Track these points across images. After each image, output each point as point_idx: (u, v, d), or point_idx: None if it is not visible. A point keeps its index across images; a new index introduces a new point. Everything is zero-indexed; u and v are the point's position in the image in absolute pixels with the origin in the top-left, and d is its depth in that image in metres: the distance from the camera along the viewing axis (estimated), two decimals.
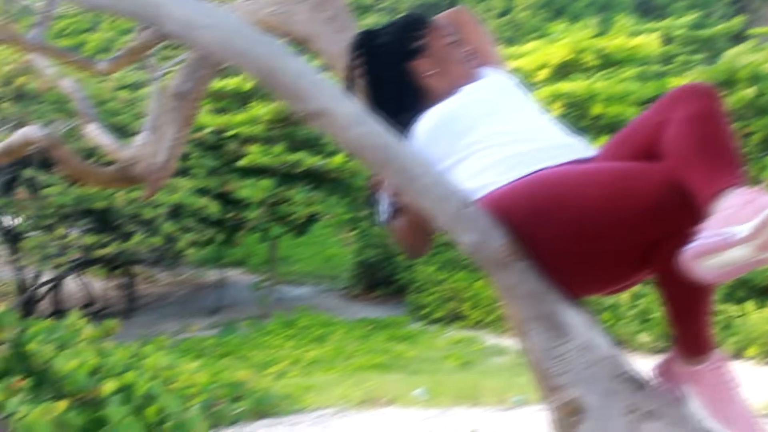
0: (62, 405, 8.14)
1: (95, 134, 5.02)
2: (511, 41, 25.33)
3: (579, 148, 2.39)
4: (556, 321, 2.13)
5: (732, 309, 14.20)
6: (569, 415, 2.13)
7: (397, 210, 2.45)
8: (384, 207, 2.52)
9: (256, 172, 18.79)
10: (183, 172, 17.02)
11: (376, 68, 2.67)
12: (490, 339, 17.78)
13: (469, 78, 2.63)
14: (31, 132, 4.57)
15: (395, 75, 2.64)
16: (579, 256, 2.15)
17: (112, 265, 20.04)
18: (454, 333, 18.64)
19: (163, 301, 21.81)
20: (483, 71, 2.70)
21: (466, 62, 2.69)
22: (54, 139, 4.46)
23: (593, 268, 2.18)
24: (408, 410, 10.05)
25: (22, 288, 19.06)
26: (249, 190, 18.51)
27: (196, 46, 3.78)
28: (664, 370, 2.33)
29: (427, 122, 2.42)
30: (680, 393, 2.25)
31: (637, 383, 2.15)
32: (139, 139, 4.77)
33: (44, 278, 19.78)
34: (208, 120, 18.74)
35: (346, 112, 1.82)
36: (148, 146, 4.45)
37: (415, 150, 2.14)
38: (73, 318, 8.87)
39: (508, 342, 17.42)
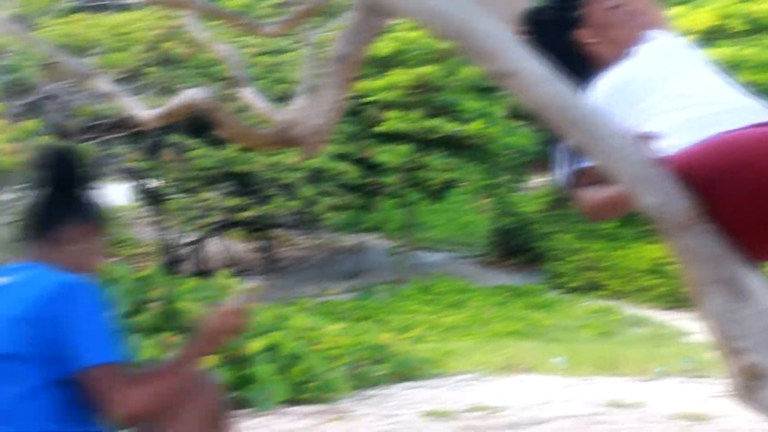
0: (211, 361, 8.39)
1: (250, 98, 5.12)
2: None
3: (758, 110, 2.34)
4: (737, 285, 2.08)
5: None
6: (750, 380, 2.10)
7: (579, 173, 2.43)
8: (564, 169, 2.50)
9: (394, 137, 18.86)
10: None
11: (542, 43, 2.65)
12: (628, 309, 17.55)
13: (635, 41, 2.59)
14: (193, 95, 4.69)
15: (561, 47, 2.61)
16: (763, 219, 2.11)
17: (252, 227, 20.41)
18: (592, 302, 18.45)
19: (301, 264, 22.12)
20: (650, 34, 2.66)
21: (631, 26, 2.65)
22: (215, 101, 4.57)
23: None
24: (547, 378, 9.98)
25: (166, 249, 19.62)
26: (387, 155, 18.60)
27: (384, 6, 3.83)
28: None
29: (603, 88, 2.39)
30: None
31: None
32: (295, 103, 4.85)
33: (187, 240, 20.33)
34: None
35: (534, 73, 1.82)
36: (307, 109, 4.52)
37: (601, 111, 2.11)
38: (221, 277, 9.10)
39: (648, 312, 17.23)
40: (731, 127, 2.20)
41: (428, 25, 1.84)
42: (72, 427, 2.27)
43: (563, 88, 1.85)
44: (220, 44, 5.66)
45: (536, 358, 11.41)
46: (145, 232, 21.36)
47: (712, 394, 8.67)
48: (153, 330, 9.04)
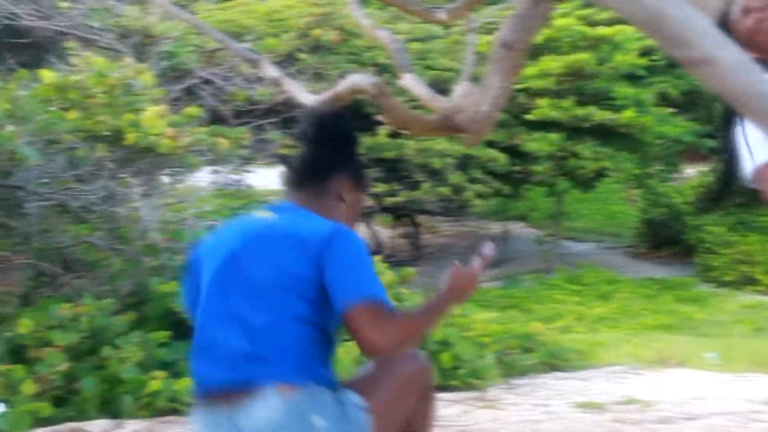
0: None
1: (411, 84, 5.13)
2: None
3: None
4: None
5: None
6: None
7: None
8: (751, 161, 2.44)
9: (544, 125, 18.72)
10: None
11: None
12: None
13: None
14: (359, 80, 4.74)
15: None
16: None
17: (399, 213, 20.54)
18: (746, 297, 17.92)
19: (446, 251, 22.14)
20: None
21: None
22: (382, 87, 4.61)
23: None
24: (700, 373, 9.80)
25: None
26: (537, 143, 18.48)
27: None
28: None
29: None
30: None
31: None
32: (458, 90, 4.85)
33: None
34: None
35: (732, 60, 1.77)
36: (472, 96, 4.52)
37: None
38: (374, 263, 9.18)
39: None
40: None
41: (618, 10, 1.80)
42: (314, 364, 2.36)
43: (762, 77, 1.80)
44: (381, 30, 5.68)
45: (688, 353, 11.21)
46: None
47: None
48: None
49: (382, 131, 16.87)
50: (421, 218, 21.67)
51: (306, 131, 2.76)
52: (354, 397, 2.39)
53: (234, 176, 14.49)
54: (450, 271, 2.69)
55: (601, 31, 19.06)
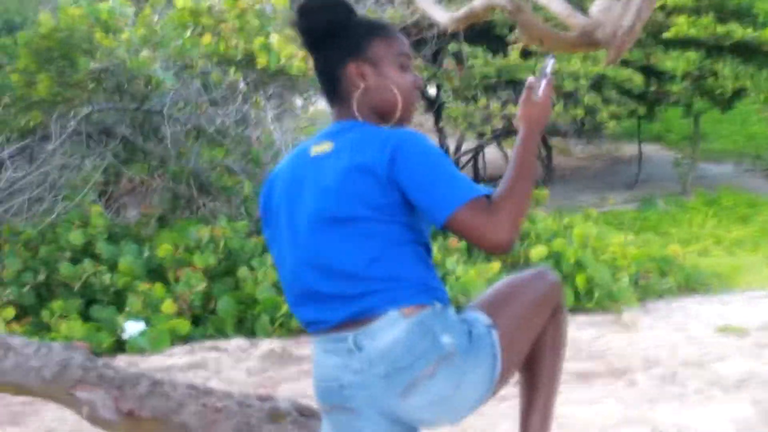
0: (495, 266, 8.44)
1: (547, 0, 4.96)
2: None
3: None
4: None
5: None
6: None
7: None
8: None
9: (681, 43, 18.12)
10: None
11: None
12: None
13: None
14: None
15: None
16: None
17: None
18: None
19: (579, 173, 21.89)
20: None
21: None
22: (519, 3, 4.47)
23: None
24: None
25: (446, 154, 19.85)
26: (674, 62, 17.92)
27: None
28: None
29: None
30: None
31: None
32: (597, 4, 4.67)
33: (467, 147, 20.50)
34: None
35: None
36: (613, 10, 4.35)
37: None
38: None
39: None
40: None
41: None
42: (429, 281, 2.25)
43: None
44: None
45: None
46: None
47: None
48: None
49: (515, 51, 16.62)
50: (554, 140, 21.35)
51: (303, 42, 2.47)
52: (480, 315, 2.28)
53: None
54: (520, 105, 2.54)
55: None
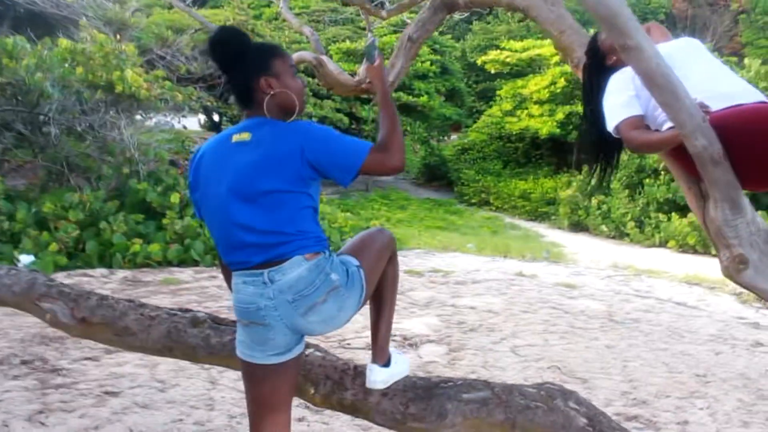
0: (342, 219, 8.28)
1: (326, 63, 4.93)
2: (523, 38, 24.63)
3: (756, 92, 2.28)
4: (737, 203, 2.04)
5: (662, 216, 13.92)
6: (737, 264, 2.08)
7: (628, 121, 2.35)
8: (615, 120, 2.40)
9: (370, 100, 18.56)
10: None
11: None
12: (506, 218, 17.67)
13: None
14: (305, 54, 4.54)
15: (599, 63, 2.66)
16: (757, 161, 2.04)
17: None
18: (484, 213, 18.55)
19: None
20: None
21: None
22: (320, 59, 4.42)
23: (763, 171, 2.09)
24: (468, 256, 10.08)
25: None
26: (366, 112, 18.24)
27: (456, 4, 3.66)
28: None
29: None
30: None
31: None
32: (363, 66, 4.68)
33: None
34: None
35: (651, 50, 1.74)
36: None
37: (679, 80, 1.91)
38: None
39: (518, 222, 17.42)
40: (745, 102, 2.15)
41: (587, 5, 1.69)
42: (321, 235, 2.09)
43: (664, 61, 1.78)
44: (306, 27, 5.41)
45: (458, 243, 11.49)
46: None
47: (570, 273, 8.83)
48: None
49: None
50: None
51: (216, 64, 2.15)
52: (352, 259, 2.17)
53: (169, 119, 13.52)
54: (369, 72, 2.25)
55: None
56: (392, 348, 2.43)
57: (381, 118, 2.16)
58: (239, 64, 2.11)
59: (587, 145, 2.76)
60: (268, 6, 23.46)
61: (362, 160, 2.01)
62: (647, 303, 6.81)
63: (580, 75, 3.05)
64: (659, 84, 1.77)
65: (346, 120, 17.98)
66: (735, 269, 2.16)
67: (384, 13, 4.56)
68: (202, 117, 20.84)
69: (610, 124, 2.41)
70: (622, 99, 2.44)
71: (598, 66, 2.68)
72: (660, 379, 4.24)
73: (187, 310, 2.51)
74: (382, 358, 2.34)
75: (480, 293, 6.75)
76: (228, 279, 2.33)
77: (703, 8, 34.35)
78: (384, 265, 2.28)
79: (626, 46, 1.69)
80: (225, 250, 2.13)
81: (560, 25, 3.16)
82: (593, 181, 2.77)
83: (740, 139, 2.00)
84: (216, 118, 20.26)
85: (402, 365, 2.39)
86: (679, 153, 2.35)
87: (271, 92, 2.10)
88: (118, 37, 10.40)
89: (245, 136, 2.09)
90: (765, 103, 2.19)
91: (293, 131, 2.05)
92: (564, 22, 3.16)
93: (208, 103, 16.99)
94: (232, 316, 2.25)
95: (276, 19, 21.32)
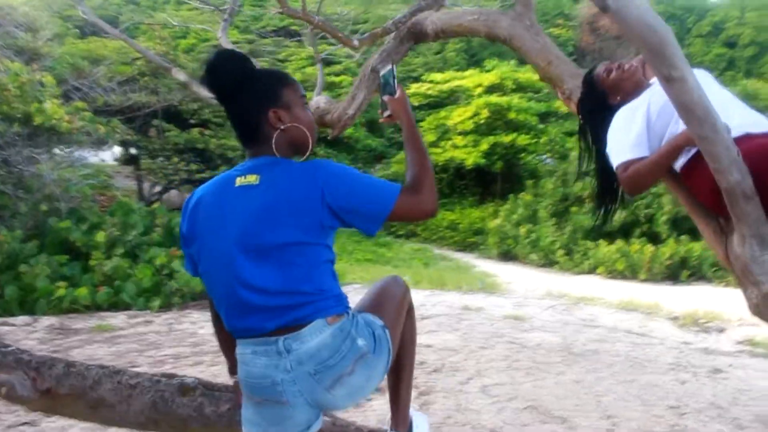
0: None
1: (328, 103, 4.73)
2: (441, 70, 25.08)
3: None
4: (765, 239, 1.95)
5: (590, 243, 14.20)
6: (766, 302, 1.98)
7: (629, 163, 2.27)
8: (622, 160, 2.31)
9: None
10: None
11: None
12: (435, 250, 17.62)
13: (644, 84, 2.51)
14: (320, 100, 4.34)
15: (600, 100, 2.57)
16: None
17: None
18: (413, 244, 18.44)
19: None
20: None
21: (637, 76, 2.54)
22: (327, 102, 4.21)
23: None
24: None
25: (140, 194, 18.49)
26: None
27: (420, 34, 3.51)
28: None
29: (654, 100, 2.28)
30: None
31: None
32: (319, 99, 4.49)
33: (155, 189, 19.24)
34: None
35: (694, 81, 1.63)
36: (338, 104, 4.20)
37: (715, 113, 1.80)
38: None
39: (448, 252, 17.43)
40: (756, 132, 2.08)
41: (635, 33, 1.57)
42: (341, 294, 1.82)
43: (704, 92, 1.67)
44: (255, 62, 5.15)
45: None
46: (123, 181, 20.07)
47: (513, 304, 8.76)
48: (160, 245, 8.42)
49: (195, 129, 16.00)
50: None
51: (214, 94, 1.87)
52: (375, 318, 1.88)
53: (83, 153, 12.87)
54: (391, 104, 2.03)
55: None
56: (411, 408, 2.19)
57: (409, 155, 1.91)
58: (244, 94, 1.83)
59: (594, 190, 2.66)
60: (184, 38, 22.91)
61: (392, 206, 1.75)
62: (598, 332, 6.80)
63: (572, 107, 2.95)
64: (698, 116, 1.67)
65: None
66: (764, 307, 2.07)
67: (356, 42, 4.39)
68: (117, 150, 20.01)
69: (616, 161, 2.34)
70: (631, 138, 2.34)
71: (599, 105, 2.58)
72: (637, 413, 4.16)
73: (173, 375, 2.17)
74: (404, 425, 2.09)
75: (433, 330, 6.56)
76: (227, 347, 2.00)
77: (609, 42, 36.04)
78: (404, 320, 2.04)
79: (671, 77, 1.58)
80: (229, 314, 1.80)
81: (546, 55, 3.05)
82: (598, 220, 2.65)
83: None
84: (134, 151, 19.46)
85: (422, 428, 2.15)
86: (699, 188, 2.26)
87: (282, 127, 1.83)
88: (34, 66, 9.80)
89: (252, 178, 1.80)
90: None
91: (311, 172, 1.76)
92: (550, 52, 3.06)
93: (128, 137, 16.36)
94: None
95: (192, 50, 20.80)
